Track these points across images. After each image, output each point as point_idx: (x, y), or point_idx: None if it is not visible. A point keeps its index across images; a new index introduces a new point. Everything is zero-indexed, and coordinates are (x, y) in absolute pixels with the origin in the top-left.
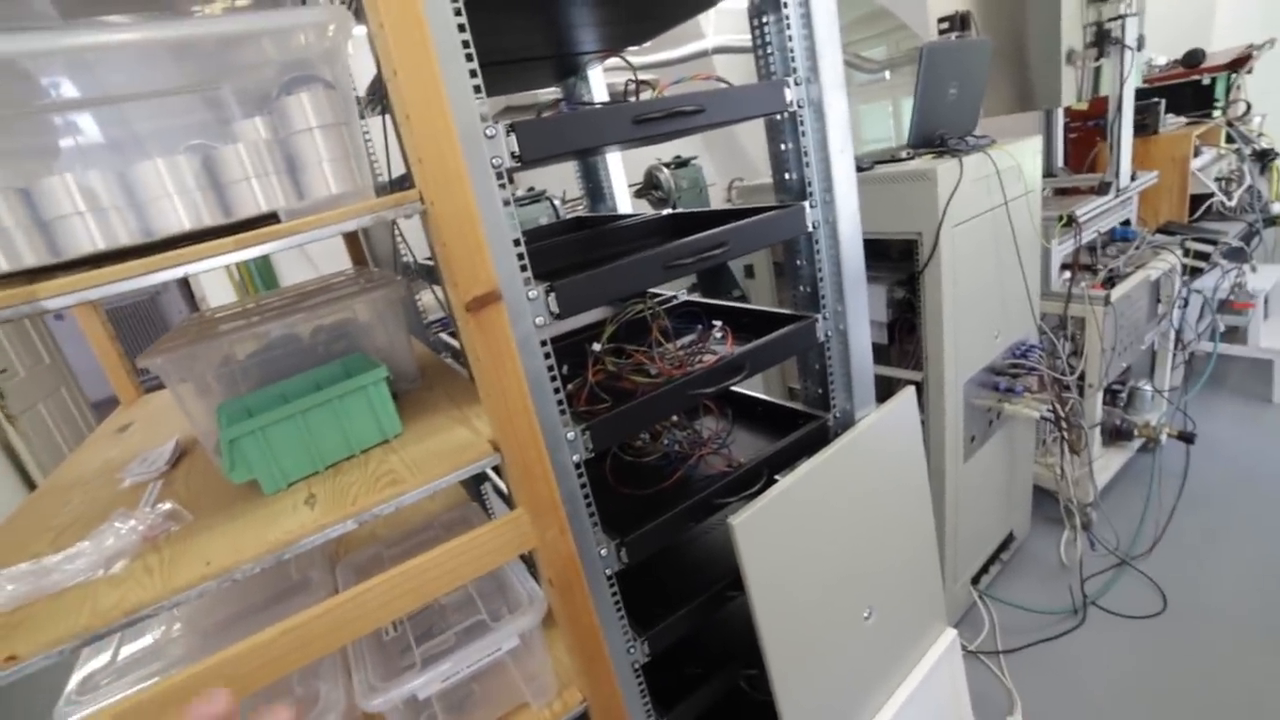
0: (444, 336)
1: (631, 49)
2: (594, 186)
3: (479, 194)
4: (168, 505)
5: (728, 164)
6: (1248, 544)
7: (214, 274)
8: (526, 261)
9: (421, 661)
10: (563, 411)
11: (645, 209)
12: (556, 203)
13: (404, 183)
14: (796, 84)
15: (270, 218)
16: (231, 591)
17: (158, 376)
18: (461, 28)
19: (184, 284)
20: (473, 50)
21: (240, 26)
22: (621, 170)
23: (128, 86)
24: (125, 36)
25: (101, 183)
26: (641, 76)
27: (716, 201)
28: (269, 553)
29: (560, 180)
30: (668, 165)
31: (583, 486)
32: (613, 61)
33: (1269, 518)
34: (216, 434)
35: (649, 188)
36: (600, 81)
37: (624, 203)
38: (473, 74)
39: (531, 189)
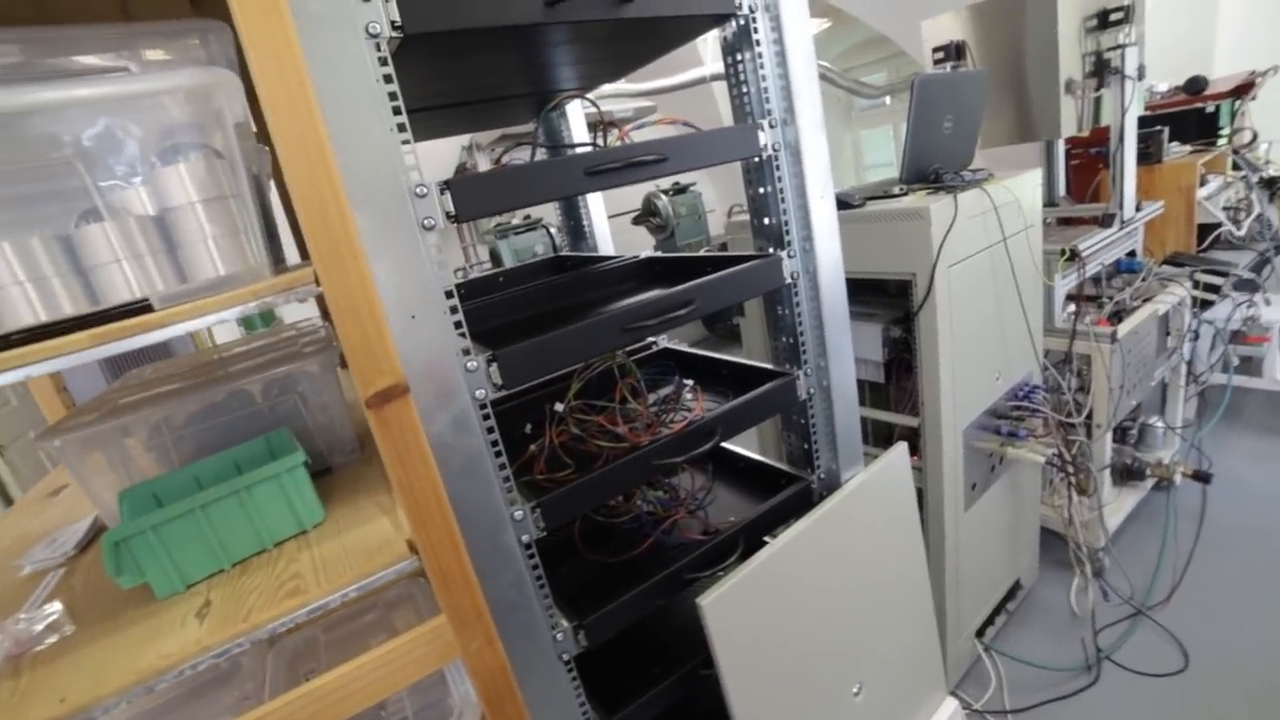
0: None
1: (615, 81)
2: (574, 224)
3: (402, 261)
4: (55, 608)
5: (728, 189)
6: (1273, 591)
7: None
8: (465, 329)
9: None
10: (509, 489)
11: (642, 236)
12: (553, 230)
13: None
14: (771, 126)
15: (143, 306)
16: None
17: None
18: (388, 78)
19: None
20: (400, 103)
21: (105, 90)
22: (602, 208)
23: None
24: None
25: None
26: (638, 104)
27: (716, 228)
28: (138, 683)
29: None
30: (666, 192)
31: (534, 568)
32: (600, 90)
33: None
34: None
35: (647, 214)
36: (579, 116)
37: (605, 240)
38: (401, 128)
39: (528, 217)
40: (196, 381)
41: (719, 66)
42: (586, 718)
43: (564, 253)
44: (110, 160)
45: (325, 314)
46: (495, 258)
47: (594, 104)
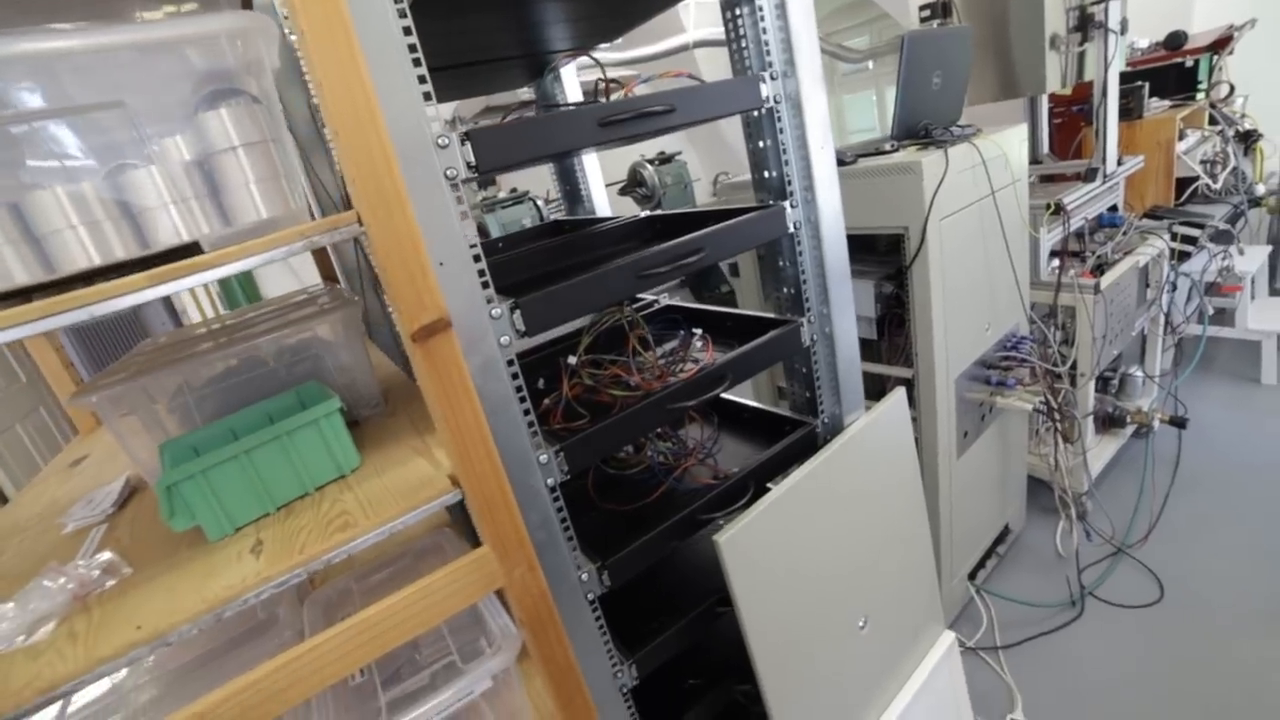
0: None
1: (604, 46)
2: (571, 188)
3: (429, 210)
4: (107, 556)
5: (712, 158)
6: (1242, 528)
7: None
8: (488, 278)
9: (388, 709)
10: (534, 434)
11: (630, 206)
12: (540, 203)
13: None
14: (773, 79)
15: (192, 247)
16: (197, 635)
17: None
18: (407, 30)
19: (164, 298)
20: (420, 55)
21: (147, 35)
22: (599, 171)
23: (18, 102)
24: (16, 48)
25: None
26: (620, 73)
27: (702, 196)
28: (207, 612)
29: (545, 180)
30: (651, 162)
31: (559, 510)
32: (587, 60)
33: (1262, 500)
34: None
35: (633, 185)
36: (573, 80)
37: (602, 204)
38: (421, 79)
39: (514, 190)
40: (219, 346)
41: (701, 33)
42: (610, 655)
43: (560, 218)
44: (154, 105)
45: (327, 276)
46: (483, 231)
47: (597, 62)
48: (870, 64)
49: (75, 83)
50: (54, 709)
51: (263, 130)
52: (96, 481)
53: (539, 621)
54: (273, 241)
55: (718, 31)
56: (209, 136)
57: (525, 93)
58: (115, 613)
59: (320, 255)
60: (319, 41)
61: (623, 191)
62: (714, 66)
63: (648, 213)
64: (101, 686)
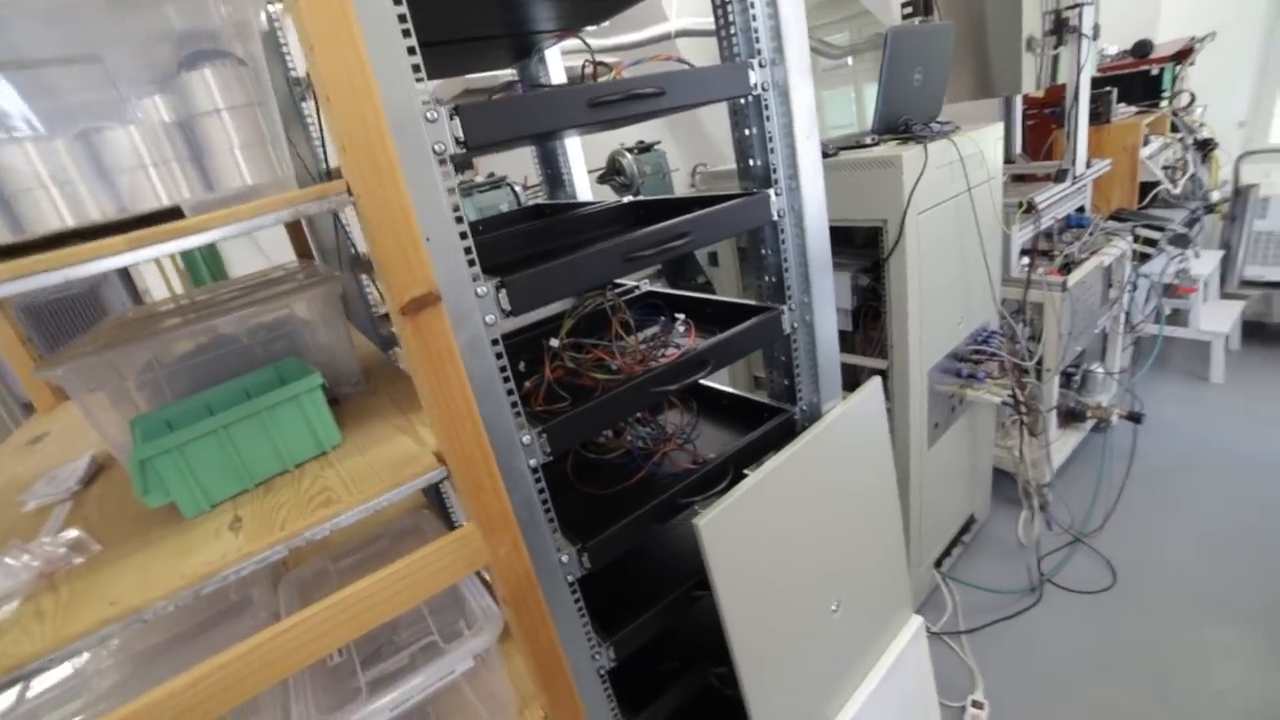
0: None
1: (589, 30)
2: (553, 173)
3: (418, 184)
4: (73, 533)
5: (692, 149)
6: (1192, 518)
7: (154, 265)
8: (475, 255)
9: (368, 689)
10: (517, 414)
11: (608, 195)
12: (518, 188)
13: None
14: (761, 66)
15: (173, 212)
16: (167, 615)
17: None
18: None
19: (124, 275)
20: (410, 25)
21: None
22: (581, 156)
23: None
24: None
25: None
26: (600, 59)
27: (680, 187)
28: (185, 587)
29: (522, 166)
30: (631, 150)
31: (541, 492)
32: (572, 44)
33: (1209, 493)
34: (132, 449)
35: (611, 173)
36: (558, 63)
37: (584, 189)
38: (411, 51)
39: (491, 175)
40: (191, 321)
41: (684, 22)
42: (589, 637)
43: (540, 202)
44: (132, 63)
45: (302, 254)
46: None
47: (585, 43)
48: (849, 60)
49: (47, 32)
50: (12, 694)
51: (249, 94)
52: (58, 460)
53: (522, 600)
54: (260, 208)
55: (700, 21)
56: (192, 98)
57: (506, 76)
58: (86, 590)
59: (295, 232)
60: (312, 3)
61: (601, 179)
62: (694, 56)
63: (631, 198)
64: (63, 670)
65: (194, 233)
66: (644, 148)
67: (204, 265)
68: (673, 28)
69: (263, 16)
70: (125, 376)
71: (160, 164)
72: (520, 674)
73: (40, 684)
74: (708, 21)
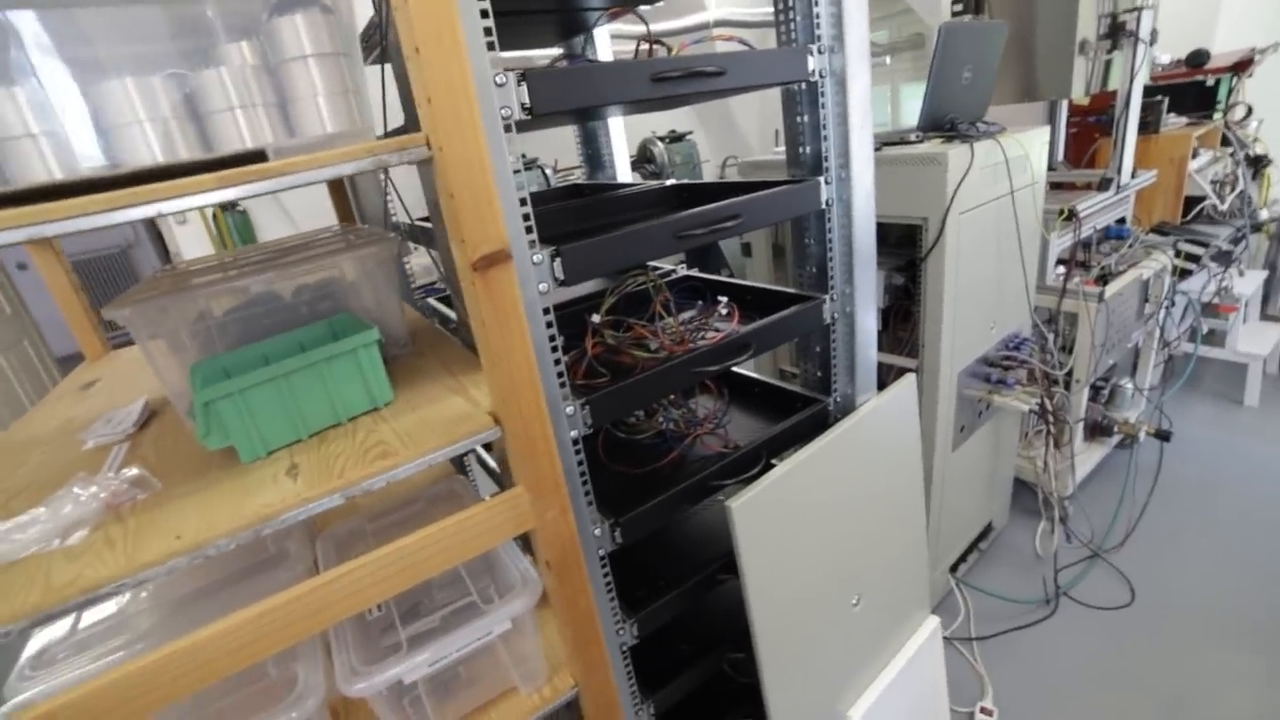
0: (433, 302)
1: (645, 8)
2: (593, 153)
3: (489, 144)
4: (134, 471)
5: (723, 141)
6: (1215, 541)
7: (190, 227)
8: (533, 223)
9: (407, 644)
10: (563, 384)
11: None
12: (548, 171)
13: (400, 134)
14: (820, 52)
15: (256, 155)
16: (203, 562)
17: (127, 332)
18: None
19: (158, 236)
20: None
21: None
22: (624, 138)
23: None
24: None
25: (59, 101)
26: (655, 39)
27: (709, 178)
28: (247, 527)
29: (552, 149)
30: (662, 139)
31: (580, 464)
32: (617, 30)
33: (1236, 516)
34: (190, 396)
35: (642, 161)
36: (606, 43)
37: (624, 171)
38: (484, 14)
39: (522, 155)
40: (245, 275)
41: (723, 12)
42: (615, 613)
43: (579, 182)
44: (227, 5)
45: (344, 218)
46: None
47: (642, 18)
48: (887, 59)
49: None
50: (66, 624)
51: (335, 43)
52: (110, 404)
53: (565, 566)
54: (343, 155)
55: (739, 11)
56: (280, 44)
57: (540, 58)
58: (151, 524)
59: (338, 196)
60: None
61: (632, 167)
62: (733, 48)
63: (674, 181)
64: (107, 608)
65: (278, 175)
66: (676, 137)
67: (236, 230)
68: (712, 17)
69: None
70: (180, 325)
71: (248, 107)
72: (552, 642)
73: (88, 618)
74: (747, 12)
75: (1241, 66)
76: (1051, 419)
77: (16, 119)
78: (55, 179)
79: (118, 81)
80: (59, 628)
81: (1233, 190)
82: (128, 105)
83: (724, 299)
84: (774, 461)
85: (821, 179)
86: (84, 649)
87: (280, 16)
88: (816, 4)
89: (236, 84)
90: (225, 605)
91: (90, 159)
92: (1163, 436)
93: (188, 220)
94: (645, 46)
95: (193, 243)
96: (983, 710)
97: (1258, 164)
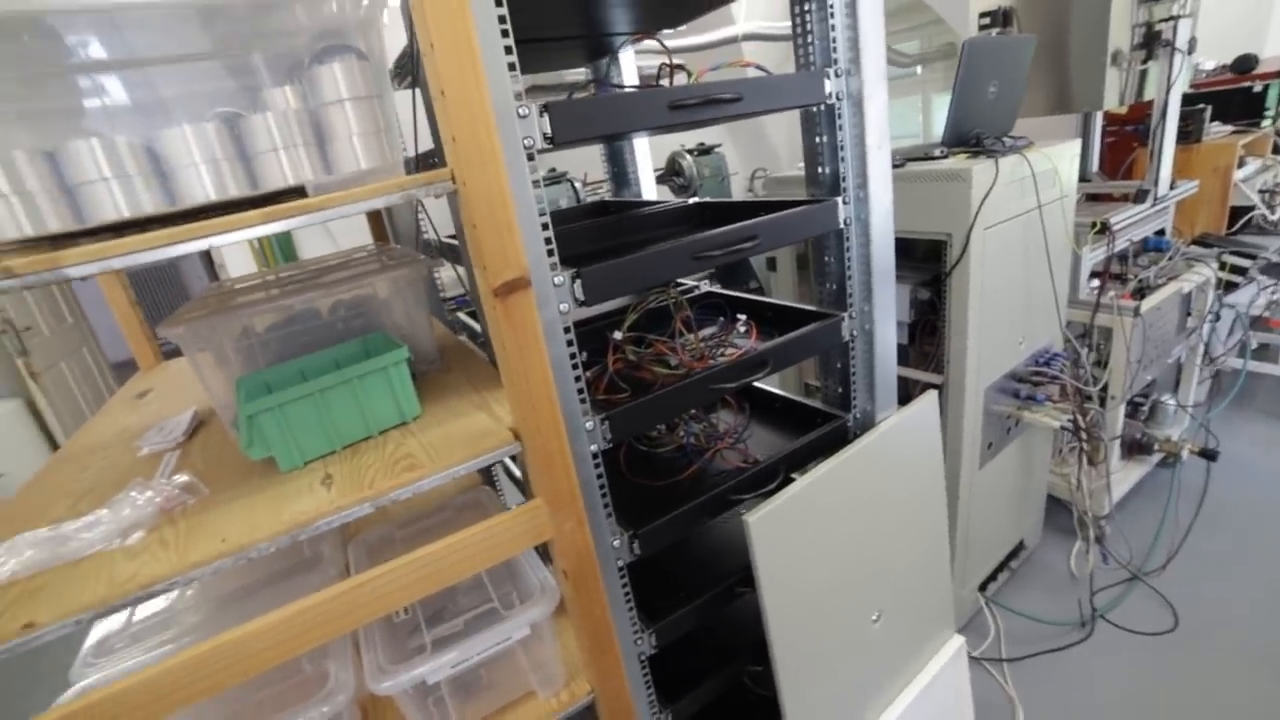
0: (462, 316)
1: (667, 31)
2: (619, 170)
3: (510, 175)
4: (184, 477)
5: (751, 153)
6: (1265, 567)
7: (234, 245)
8: (554, 246)
9: (432, 645)
10: (583, 400)
11: (666, 195)
12: (577, 185)
13: (430, 159)
14: (837, 75)
15: (297, 191)
16: (245, 564)
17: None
18: (499, 1)
19: (204, 252)
20: (509, 25)
21: None
22: (649, 156)
23: (155, 49)
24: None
25: (128, 149)
26: (676, 62)
27: (738, 191)
28: (285, 532)
29: (582, 162)
30: (691, 152)
31: (599, 477)
32: (644, 45)
33: None
34: (234, 407)
35: (670, 173)
36: (631, 64)
37: (649, 188)
38: (508, 50)
39: (553, 170)
40: (286, 294)
41: (752, 26)
42: (633, 623)
43: (605, 198)
44: (273, 57)
45: (379, 237)
46: None
47: (663, 45)
48: (919, 69)
49: (200, 31)
50: (122, 617)
51: (370, 86)
52: (161, 414)
53: (582, 575)
54: (375, 190)
55: (768, 25)
56: (320, 89)
57: (570, 75)
58: (199, 527)
59: (374, 218)
60: (436, 8)
61: (660, 179)
62: (760, 60)
63: (696, 199)
64: (157, 604)
65: (318, 210)
66: (704, 150)
67: (278, 247)
68: (740, 30)
69: (384, 15)
70: (226, 341)
71: (290, 148)
72: (569, 649)
73: (140, 613)
74: (776, 26)
75: None
76: (1085, 436)
77: (93, 165)
78: (123, 216)
79: (177, 129)
80: (115, 621)
81: None
82: (185, 149)
83: (743, 316)
84: (793, 476)
85: (839, 199)
86: (138, 640)
87: (320, 65)
88: (834, 28)
89: (280, 127)
90: (264, 604)
91: (152, 198)
92: (1208, 455)
93: None
94: (668, 70)
95: (237, 256)
96: None
97: None
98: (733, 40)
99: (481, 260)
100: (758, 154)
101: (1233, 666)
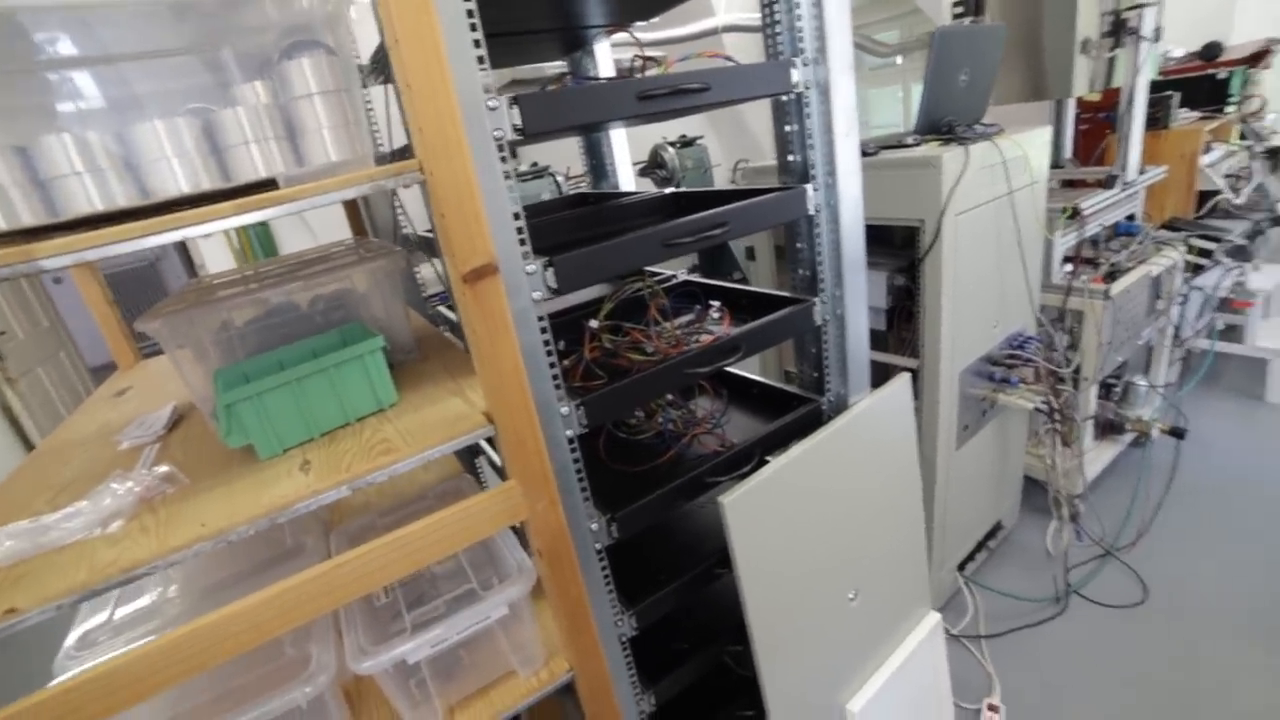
0: (442, 310)
1: (639, 24)
2: (597, 163)
3: (479, 165)
4: (164, 468)
5: (733, 145)
6: (1232, 540)
7: (214, 240)
8: (526, 235)
9: (412, 627)
10: (558, 386)
11: (648, 187)
12: (560, 179)
13: (406, 153)
14: (804, 65)
15: (269, 183)
16: (227, 555)
17: (156, 342)
18: None
19: (183, 250)
20: (477, 20)
21: None
22: (626, 148)
23: (126, 45)
24: None
25: (99, 143)
26: (648, 53)
27: (721, 182)
28: (263, 516)
29: (564, 156)
30: (673, 144)
31: (575, 461)
32: (620, 37)
33: (1255, 515)
34: (213, 399)
35: (653, 166)
36: (607, 57)
37: (627, 180)
38: (476, 44)
39: (535, 164)
40: (264, 288)
41: (731, 17)
42: (614, 605)
43: (584, 191)
44: (243, 53)
45: (357, 231)
46: None
47: (635, 39)
48: (899, 59)
49: (175, 27)
50: (105, 613)
51: (338, 80)
52: (140, 409)
53: (556, 554)
54: (345, 181)
55: (746, 17)
56: (290, 84)
57: (552, 69)
58: (179, 514)
59: (352, 212)
60: (399, 2)
61: (643, 172)
62: (740, 51)
63: (672, 189)
64: (141, 600)
65: (289, 201)
66: (686, 142)
67: (258, 242)
68: (719, 23)
69: (352, 10)
70: (205, 335)
71: (261, 140)
72: (549, 629)
73: (123, 609)
74: (754, 18)
75: (1257, 58)
76: (1059, 417)
77: (65, 160)
78: (96, 209)
79: (149, 124)
80: (98, 615)
81: (1249, 184)
82: (157, 144)
83: (716, 303)
84: (769, 459)
85: (809, 186)
86: (119, 632)
87: (290, 60)
88: (800, 18)
89: (251, 121)
90: (247, 594)
91: (125, 191)
92: (1177, 434)
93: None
94: (640, 62)
95: (217, 253)
96: (989, 707)
97: (1275, 156)
98: (713, 32)
99: (450, 248)
100: (740, 145)
101: (1199, 636)
